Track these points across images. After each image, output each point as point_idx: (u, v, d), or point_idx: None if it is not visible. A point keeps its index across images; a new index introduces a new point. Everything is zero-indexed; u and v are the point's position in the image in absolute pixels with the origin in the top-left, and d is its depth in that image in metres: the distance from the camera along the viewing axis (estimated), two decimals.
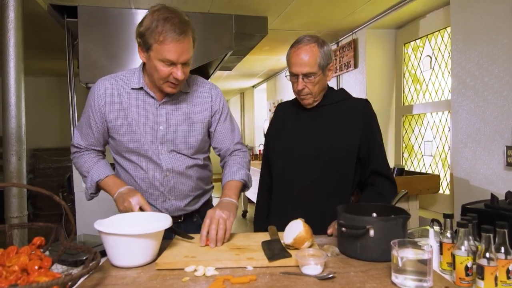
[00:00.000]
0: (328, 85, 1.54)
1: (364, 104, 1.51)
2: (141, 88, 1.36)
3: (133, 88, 1.37)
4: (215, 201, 1.64)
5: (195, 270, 1.02)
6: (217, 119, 1.47)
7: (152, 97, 1.37)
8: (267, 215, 1.59)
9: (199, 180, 1.48)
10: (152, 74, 1.29)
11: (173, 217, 1.41)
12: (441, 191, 2.88)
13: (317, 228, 1.27)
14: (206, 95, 1.45)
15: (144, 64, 1.37)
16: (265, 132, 1.66)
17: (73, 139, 1.45)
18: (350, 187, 1.48)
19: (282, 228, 1.21)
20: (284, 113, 1.61)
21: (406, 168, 3.10)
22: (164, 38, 1.19)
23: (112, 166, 1.46)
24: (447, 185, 2.89)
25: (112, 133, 1.38)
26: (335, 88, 4.11)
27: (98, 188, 1.40)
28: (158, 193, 1.41)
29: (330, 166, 1.44)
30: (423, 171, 3.19)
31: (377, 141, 1.49)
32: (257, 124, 7.97)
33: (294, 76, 1.44)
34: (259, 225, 1.60)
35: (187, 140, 1.40)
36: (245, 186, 1.47)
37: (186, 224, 1.47)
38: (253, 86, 7.96)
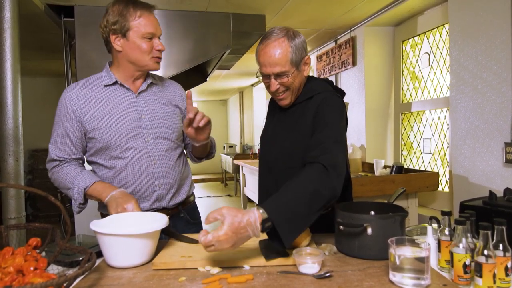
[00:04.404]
0: (306, 78, 1.37)
1: (322, 97, 1.31)
2: (114, 83, 1.41)
3: (105, 85, 1.41)
4: (199, 202, 1.64)
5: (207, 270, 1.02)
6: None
7: (128, 89, 1.42)
8: None
9: (181, 167, 1.52)
10: (134, 56, 1.35)
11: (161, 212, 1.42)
12: (440, 189, 2.88)
13: None
14: (175, 87, 1.57)
15: (110, 63, 1.44)
16: None
17: (49, 155, 1.41)
18: None
19: None
20: (271, 109, 1.53)
21: (405, 166, 3.10)
22: (141, 13, 1.33)
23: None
24: (446, 182, 2.88)
25: (92, 132, 1.37)
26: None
27: (86, 198, 1.37)
28: (147, 183, 1.41)
29: (294, 173, 1.20)
30: (422, 168, 3.19)
31: (319, 129, 1.24)
32: (256, 123, 7.96)
33: (265, 77, 1.31)
34: None
35: (169, 124, 1.46)
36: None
37: (173, 220, 1.47)
38: (252, 85, 7.95)
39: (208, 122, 1.32)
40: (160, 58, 1.40)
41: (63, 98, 1.39)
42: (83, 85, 1.41)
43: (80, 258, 1.09)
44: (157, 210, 1.42)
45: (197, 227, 1.58)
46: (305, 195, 1.06)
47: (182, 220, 1.52)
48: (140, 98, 1.43)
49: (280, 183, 1.17)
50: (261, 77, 1.34)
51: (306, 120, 1.30)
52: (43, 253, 1.13)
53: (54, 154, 1.40)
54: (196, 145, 1.43)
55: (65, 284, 0.84)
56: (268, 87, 1.33)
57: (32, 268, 0.93)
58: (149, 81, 1.46)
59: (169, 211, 1.46)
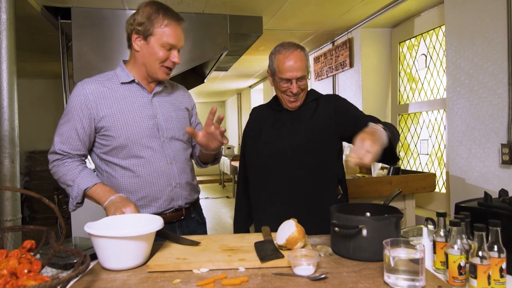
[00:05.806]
0: None
1: (332, 95, 1.62)
2: (132, 82, 1.41)
3: (122, 83, 1.40)
4: (203, 204, 1.67)
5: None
6: (195, 114, 1.63)
7: (144, 89, 1.43)
8: (247, 215, 1.68)
9: (191, 167, 1.56)
10: (148, 60, 1.37)
11: (176, 215, 1.47)
12: (437, 190, 2.88)
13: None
14: (182, 91, 1.60)
15: (125, 61, 1.45)
16: (242, 136, 1.72)
17: (53, 146, 1.38)
18: (334, 184, 1.53)
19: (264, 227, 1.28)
20: (261, 117, 1.65)
21: (402, 167, 3.10)
22: (168, 23, 1.34)
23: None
24: (443, 183, 2.89)
25: (108, 130, 1.35)
26: (331, 88, 4.13)
27: (84, 197, 1.36)
28: (165, 181, 1.41)
29: (313, 163, 1.50)
30: (419, 169, 3.19)
31: (353, 109, 1.55)
32: None
33: (287, 81, 1.48)
34: (239, 225, 1.69)
35: (182, 126, 1.48)
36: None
37: (187, 221, 1.51)
38: (250, 87, 7.96)
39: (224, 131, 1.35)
40: (171, 69, 1.41)
41: (78, 93, 1.36)
42: (98, 81, 1.39)
43: (74, 261, 1.08)
44: (174, 210, 1.45)
45: (205, 227, 1.63)
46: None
47: (194, 221, 1.55)
48: (155, 99, 1.45)
49: (307, 169, 1.48)
50: (280, 82, 1.50)
51: (325, 112, 1.53)
52: (38, 256, 1.13)
53: (58, 148, 1.36)
54: (205, 152, 1.46)
55: (58, 287, 0.83)
56: (285, 91, 1.50)
57: (26, 271, 0.93)
58: (162, 83, 1.48)
59: (184, 212, 1.49)
